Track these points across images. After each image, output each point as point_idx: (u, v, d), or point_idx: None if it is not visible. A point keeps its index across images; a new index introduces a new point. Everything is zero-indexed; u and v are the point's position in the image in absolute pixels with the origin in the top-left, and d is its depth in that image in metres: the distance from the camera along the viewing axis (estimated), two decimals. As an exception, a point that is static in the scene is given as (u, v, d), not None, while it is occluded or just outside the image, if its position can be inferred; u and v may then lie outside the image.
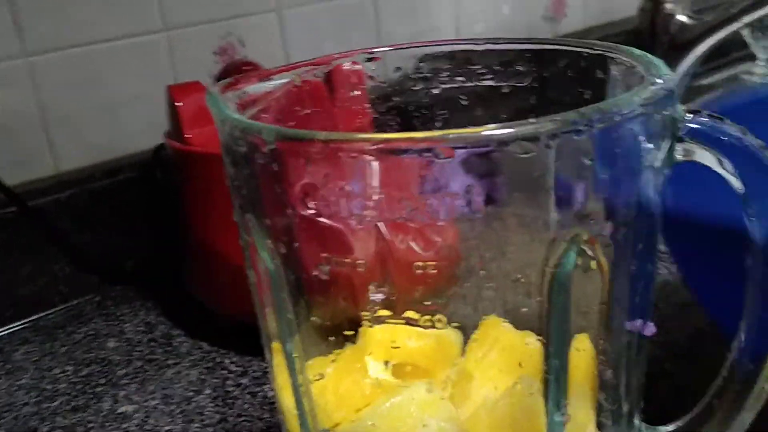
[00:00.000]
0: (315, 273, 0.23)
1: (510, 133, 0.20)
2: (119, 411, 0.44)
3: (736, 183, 0.24)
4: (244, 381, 0.46)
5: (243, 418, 0.42)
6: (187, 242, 0.51)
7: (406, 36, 0.70)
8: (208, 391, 0.45)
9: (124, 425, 0.43)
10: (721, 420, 0.27)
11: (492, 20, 0.75)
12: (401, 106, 0.32)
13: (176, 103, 0.47)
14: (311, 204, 0.22)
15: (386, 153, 0.21)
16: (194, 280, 0.52)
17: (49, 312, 0.56)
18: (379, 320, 0.24)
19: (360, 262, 0.22)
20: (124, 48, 0.58)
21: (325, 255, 0.22)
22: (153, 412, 0.44)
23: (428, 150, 0.20)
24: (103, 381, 0.47)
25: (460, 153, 0.20)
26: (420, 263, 0.22)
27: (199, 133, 0.46)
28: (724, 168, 0.24)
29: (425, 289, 0.22)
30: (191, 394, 0.45)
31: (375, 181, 0.21)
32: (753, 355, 0.26)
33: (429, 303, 0.23)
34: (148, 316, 0.54)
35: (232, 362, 0.48)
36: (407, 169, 0.21)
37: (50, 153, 0.57)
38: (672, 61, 0.68)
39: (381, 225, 0.22)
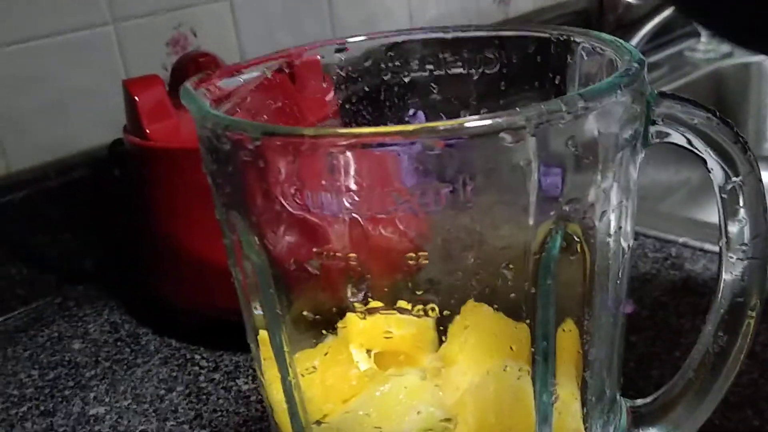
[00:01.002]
0: (304, 268, 0.23)
1: (496, 123, 0.20)
2: (90, 413, 0.43)
3: (708, 162, 0.25)
4: (217, 376, 0.45)
5: (218, 414, 0.42)
6: (150, 238, 0.50)
7: (358, 22, 0.70)
8: (180, 388, 0.45)
9: (97, 428, 0.42)
10: (699, 389, 0.28)
11: (444, 5, 0.75)
12: (372, 96, 0.32)
13: (134, 98, 0.45)
14: (298, 199, 0.22)
15: (375, 147, 0.21)
16: (157, 278, 0.51)
17: (8, 316, 0.54)
18: (371, 312, 0.24)
19: (351, 255, 0.22)
20: (70, 42, 0.57)
21: (315, 249, 0.22)
22: (125, 412, 0.43)
23: (417, 142, 0.20)
24: (71, 384, 0.46)
25: (449, 144, 0.21)
26: (410, 254, 0.22)
27: (159, 128, 0.45)
28: (696, 149, 0.25)
29: (415, 279, 0.23)
30: (163, 392, 0.44)
31: (363, 175, 0.21)
32: (728, 326, 0.27)
33: (420, 293, 0.23)
34: (112, 316, 0.53)
35: (202, 358, 0.47)
36: (395, 162, 0.21)
37: (0, 154, 0.55)
38: (619, 41, 0.69)
39: (370, 218, 0.22)
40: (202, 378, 0.45)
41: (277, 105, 0.30)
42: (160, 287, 0.51)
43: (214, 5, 0.62)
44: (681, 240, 0.53)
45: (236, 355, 0.47)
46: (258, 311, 0.26)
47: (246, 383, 0.44)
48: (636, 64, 0.24)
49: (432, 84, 0.32)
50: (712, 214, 0.26)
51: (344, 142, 0.21)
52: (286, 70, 0.31)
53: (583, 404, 0.27)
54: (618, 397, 0.29)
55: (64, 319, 0.53)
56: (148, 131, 0.45)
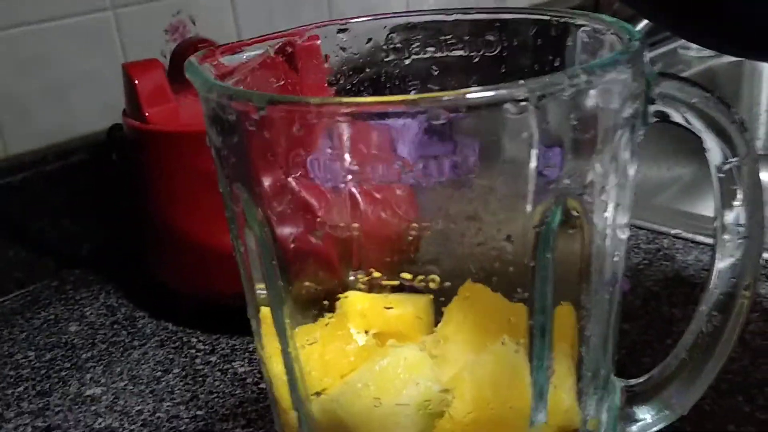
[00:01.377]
0: (307, 239, 0.23)
1: (501, 93, 0.21)
2: (87, 394, 0.43)
3: (706, 141, 0.25)
4: (213, 359, 0.46)
5: (214, 395, 0.42)
6: (148, 223, 0.50)
7: (357, 11, 0.70)
8: (176, 371, 0.45)
9: (93, 407, 0.42)
10: (692, 369, 0.28)
11: (441, -3, 0.76)
12: (373, 77, 0.33)
13: (134, 81, 0.46)
14: (303, 170, 0.22)
15: (378, 116, 0.21)
16: (156, 262, 0.51)
17: (5, 298, 0.54)
18: (373, 284, 0.24)
19: (353, 226, 0.23)
20: (71, 27, 0.57)
21: (319, 219, 0.23)
22: (122, 393, 0.43)
23: (423, 112, 0.21)
24: (67, 365, 0.46)
25: (453, 114, 0.21)
26: (412, 225, 0.23)
27: (158, 111, 0.46)
28: (695, 128, 0.25)
29: (417, 250, 0.23)
30: (160, 373, 0.45)
31: (367, 145, 0.22)
32: (721, 306, 0.27)
33: (422, 264, 0.23)
34: (108, 300, 0.53)
35: (199, 341, 0.48)
36: (398, 133, 0.21)
37: (-2, 136, 0.55)
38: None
39: (373, 189, 0.22)
40: (198, 360, 0.46)
41: (279, 84, 0.30)
42: (157, 271, 0.51)
43: (214, -7, 0.63)
44: (673, 232, 0.54)
45: (233, 339, 0.47)
46: (260, 284, 0.26)
47: (242, 366, 0.44)
48: (637, 42, 0.24)
49: (433, 66, 0.33)
50: (703, 209, 0.27)
51: (348, 110, 0.21)
52: (289, 50, 0.31)
53: (579, 380, 0.27)
54: (612, 376, 0.29)
55: (60, 302, 0.53)
56: (147, 114, 0.45)
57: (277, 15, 0.65)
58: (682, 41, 0.93)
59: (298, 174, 0.22)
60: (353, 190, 0.22)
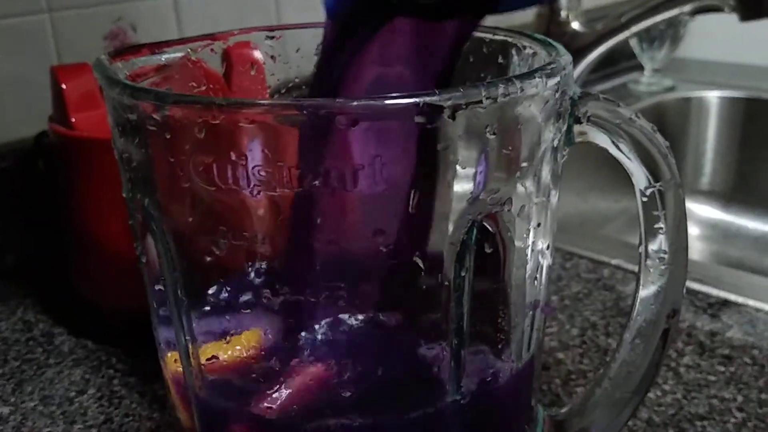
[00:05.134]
0: (209, 248, 0.22)
1: (414, 102, 0.20)
2: (-7, 413, 0.41)
3: (630, 165, 0.25)
4: (132, 380, 0.43)
5: (130, 418, 0.40)
6: (71, 234, 0.48)
7: (305, 19, 0.69)
8: (92, 391, 0.42)
9: (0, 428, 0.39)
10: (615, 398, 0.27)
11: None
12: (302, 86, 0.32)
13: (61, 86, 0.44)
14: (207, 175, 0.21)
15: (288, 120, 0.20)
16: (79, 275, 0.49)
17: None
18: (278, 297, 0.23)
19: (257, 236, 0.21)
20: (2, 28, 0.54)
21: (222, 228, 0.21)
22: (31, 413, 0.41)
23: (331, 117, 0.19)
24: (-26, 382, 0.43)
25: (363, 122, 0.20)
26: (319, 236, 0.21)
27: (86, 118, 0.44)
28: (620, 150, 0.25)
29: (324, 264, 0.22)
30: (74, 394, 0.42)
31: (275, 150, 0.20)
32: (644, 334, 0.26)
33: (329, 280, 0.22)
34: (26, 314, 0.51)
35: (119, 361, 0.45)
36: (309, 138, 0.20)
37: None
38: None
39: (278, 197, 0.21)
40: (116, 381, 0.43)
41: (200, 89, 0.29)
42: (80, 285, 0.49)
43: (157, 0, 0.61)
44: (614, 262, 0.53)
45: (155, 359, 0.45)
46: (162, 296, 0.24)
47: (162, 388, 0.42)
48: (561, 59, 0.23)
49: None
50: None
51: (257, 114, 0.20)
52: (215, 53, 0.30)
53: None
54: (536, 404, 0.28)
55: (-26, 316, 0.50)
56: (73, 120, 0.43)
57: (223, 24, 0.64)
58: (633, 76, 0.94)
59: (201, 178, 0.21)
60: (257, 196, 0.21)
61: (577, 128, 0.25)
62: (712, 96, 0.89)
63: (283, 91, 0.31)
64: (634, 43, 0.90)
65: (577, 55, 0.71)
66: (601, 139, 0.25)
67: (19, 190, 0.55)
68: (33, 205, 0.55)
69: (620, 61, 0.96)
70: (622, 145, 0.24)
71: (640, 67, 0.93)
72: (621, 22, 0.67)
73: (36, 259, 0.56)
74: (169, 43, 0.28)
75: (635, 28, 0.66)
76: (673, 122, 0.90)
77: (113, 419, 0.40)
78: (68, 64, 0.46)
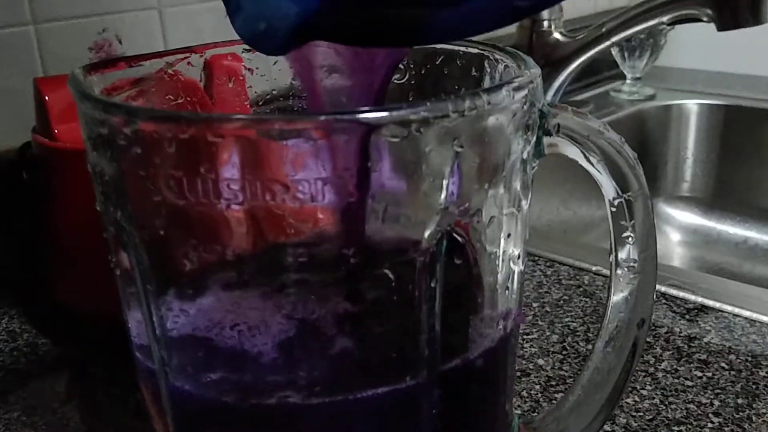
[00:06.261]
0: (182, 262, 0.22)
1: (382, 116, 0.20)
2: (-26, 425, 0.41)
3: (599, 177, 0.25)
4: (116, 390, 0.43)
5: (113, 428, 0.40)
6: (54, 244, 0.48)
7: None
8: (75, 402, 0.43)
9: (-20, 440, 0.40)
10: (587, 406, 0.28)
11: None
12: (280, 100, 0.32)
13: (44, 97, 0.44)
14: (178, 189, 0.21)
15: (258, 135, 0.20)
16: (61, 285, 0.49)
17: None
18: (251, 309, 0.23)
19: (229, 249, 0.22)
20: (-13, 40, 0.55)
21: (194, 242, 0.21)
22: (14, 424, 0.41)
23: (301, 132, 0.20)
24: (-43, 393, 0.43)
25: (334, 136, 0.20)
26: (291, 250, 0.22)
27: (68, 129, 0.44)
28: (589, 162, 0.25)
29: (294, 277, 0.22)
30: (57, 404, 0.42)
31: (245, 165, 0.21)
32: (615, 341, 0.27)
33: (296, 292, 0.22)
34: (11, 324, 0.51)
35: (103, 371, 0.45)
36: (280, 152, 0.21)
37: None
38: (547, 77, 0.71)
39: (251, 210, 0.21)
40: (100, 392, 0.43)
41: (178, 102, 0.29)
42: (63, 295, 0.49)
43: (142, 13, 0.61)
44: (594, 269, 0.54)
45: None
46: (136, 310, 0.25)
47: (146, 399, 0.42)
48: (529, 72, 0.24)
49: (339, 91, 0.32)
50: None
51: (225, 129, 0.20)
52: (192, 66, 0.30)
53: (472, 418, 0.26)
54: (510, 410, 0.29)
55: (-42, 327, 0.50)
56: (56, 131, 0.44)
57: (208, 36, 0.64)
58: (614, 84, 0.95)
59: (172, 192, 0.21)
60: (230, 210, 0.21)
61: (547, 140, 0.25)
62: (692, 104, 0.90)
63: (260, 103, 0.32)
64: (615, 52, 0.91)
65: (560, 64, 0.72)
66: (571, 151, 0.25)
67: (2, 201, 0.55)
68: (17, 216, 0.55)
69: (602, 70, 0.97)
70: (591, 157, 0.25)
71: (621, 76, 0.94)
72: (602, 32, 0.68)
73: (20, 270, 0.56)
74: (146, 56, 0.28)
75: (616, 38, 0.67)
76: (653, 129, 0.91)
77: (95, 430, 0.40)
78: (51, 75, 0.47)
